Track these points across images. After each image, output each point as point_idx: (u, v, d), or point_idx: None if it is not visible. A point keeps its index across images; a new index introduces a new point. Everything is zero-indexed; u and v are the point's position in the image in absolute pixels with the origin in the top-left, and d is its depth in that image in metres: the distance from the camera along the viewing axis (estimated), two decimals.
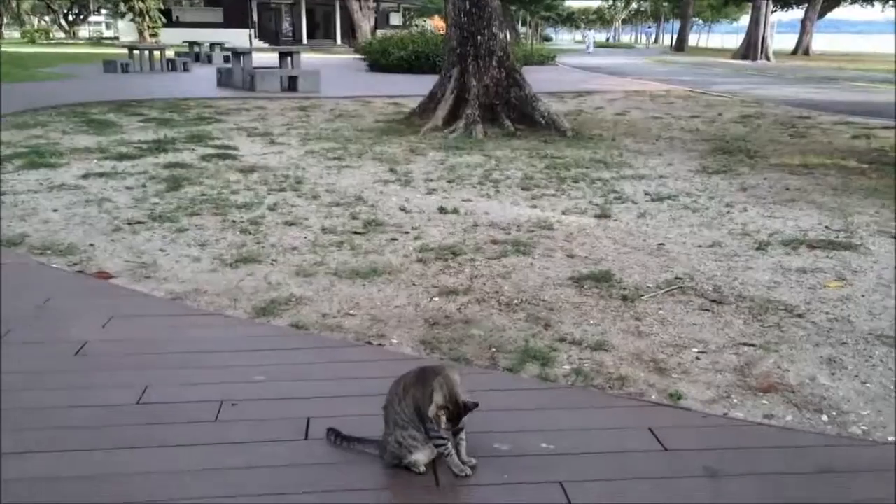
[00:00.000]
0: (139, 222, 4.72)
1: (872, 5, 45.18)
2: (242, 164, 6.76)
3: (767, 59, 34.20)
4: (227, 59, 19.72)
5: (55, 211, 4.98)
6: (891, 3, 43.75)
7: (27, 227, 4.58)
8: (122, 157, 7.00)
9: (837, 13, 49.87)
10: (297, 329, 3.10)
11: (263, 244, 4.30)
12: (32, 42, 42.50)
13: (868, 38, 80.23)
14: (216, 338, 3.00)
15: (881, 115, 11.63)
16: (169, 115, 10.32)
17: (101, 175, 6.14)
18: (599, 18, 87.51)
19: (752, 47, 35.25)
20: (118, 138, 8.14)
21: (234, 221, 4.78)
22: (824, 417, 2.40)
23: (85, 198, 5.36)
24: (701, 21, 66.95)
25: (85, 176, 6.10)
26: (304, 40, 46.90)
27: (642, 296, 3.51)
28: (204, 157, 7.05)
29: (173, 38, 33.32)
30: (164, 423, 2.27)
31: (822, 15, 43.60)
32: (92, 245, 4.23)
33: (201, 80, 16.90)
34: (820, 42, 49.16)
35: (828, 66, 29.40)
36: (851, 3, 45.98)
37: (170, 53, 21.07)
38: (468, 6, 9.44)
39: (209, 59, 24.65)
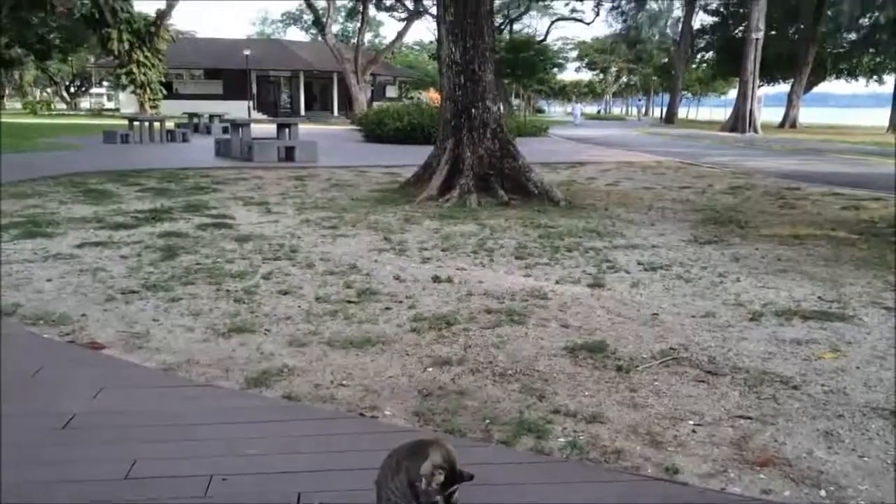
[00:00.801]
0: (133, 292, 4.71)
1: (857, 80, 46.41)
2: (238, 233, 6.80)
3: (756, 131, 34.89)
4: (225, 130, 20.04)
5: (49, 280, 4.98)
6: (874, 78, 44.99)
7: (20, 296, 4.56)
8: (118, 226, 7.03)
9: (823, 87, 51.19)
10: (290, 400, 3.07)
11: (257, 313, 4.29)
12: (34, 113, 43.18)
13: (853, 112, 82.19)
14: (207, 409, 2.97)
15: (869, 186, 11.82)
16: (166, 184, 10.43)
17: (96, 244, 6.17)
18: (591, 91, 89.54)
19: (740, 120, 35.99)
20: (115, 208, 8.20)
21: (228, 290, 4.78)
22: (822, 493, 2.37)
23: (79, 267, 5.36)
24: (690, 94, 68.55)
25: (80, 245, 6.12)
26: (302, 112, 47.74)
27: (637, 366, 3.50)
28: (200, 227, 7.09)
29: (174, 109, 33.92)
30: (151, 499, 2.22)
31: (807, 89, 44.73)
32: (84, 315, 4.21)
33: (200, 151, 17.13)
34: (806, 115, 50.28)
35: (815, 139, 29.99)
36: (836, 78, 47.24)
37: (169, 124, 21.41)
38: (462, 80, 9.67)
39: (208, 130, 25.02)
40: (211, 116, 26.59)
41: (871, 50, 41.97)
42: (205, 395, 3.14)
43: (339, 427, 2.84)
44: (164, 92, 38.34)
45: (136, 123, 20.28)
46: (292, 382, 3.26)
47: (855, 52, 42.89)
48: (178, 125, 22.65)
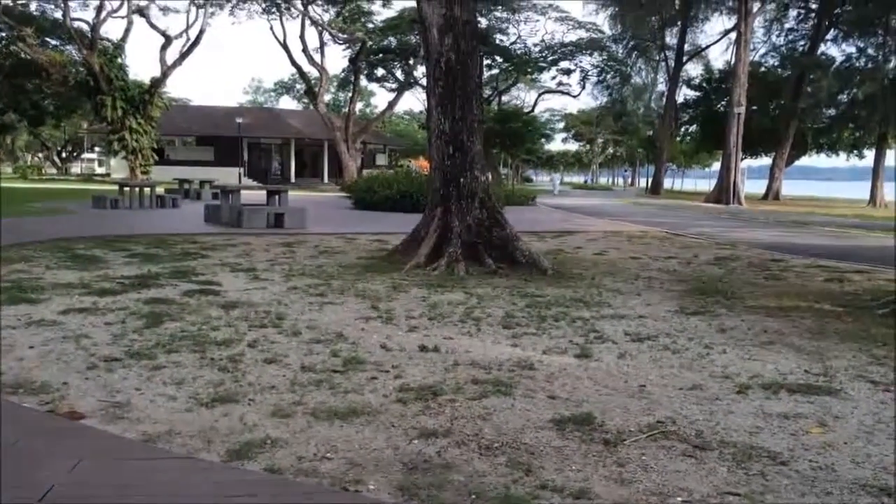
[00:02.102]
0: (116, 359, 4.66)
1: (837, 154, 47.48)
2: (224, 300, 6.77)
3: (739, 203, 35.43)
4: (215, 196, 20.16)
5: (31, 347, 4.91)
6: (854, 152, 46.05)
7: (2, 364, 4.50)
8: (103, 292, 6.99)
9: (805, 160, 52.28)
10: (272, 473, 3.01)
11: (241, 382, 4.25)
12: (24, 178, 43.38)
13: (835, 185, 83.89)
14: (188, 483, 2.90)
15: (851, 259, 11.97)
16: (154, 250, 10.42)
17: (81, 311, 6.12)
18: (578, 161, 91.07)
19: (724, 192, 36.58)
20: (101, 274, 8.17)
21: (212, 359, 4.73)
22: None
23: (62, 334, 5.31)
24: (675, 166, 69.81)
25: (65, 312, 6.07)
26: (293, 178, 48.24)
27: (625, 440, 3.47)
28: (186, 293, 7.07)
29: (164, 175, 34.22)
30: None
31: (789, 162, 45.66)
32: (65, 383, 4.15)
33: (189, 217, 17.19)
34: (789, 187, 51.23)
35: (797, 211, 30.48)
36: (817, 152, 48.34)
37: (160, 190, 21.54)
38: (451, 150, 9.83)
39: (198, 196, 25.20)
40: (201, 182, 26.82)
41: (850, 125, 43.05)
42: (185, 467, 3.08)
43: (323, 501, 2.78)
44: (156, 158, 38.72)
45: (126, 189, 20.39)
46: (275, 455, 3.20)
47: (834, 127, 43.97)
48: (168, 191, 22.80)
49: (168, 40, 39.18)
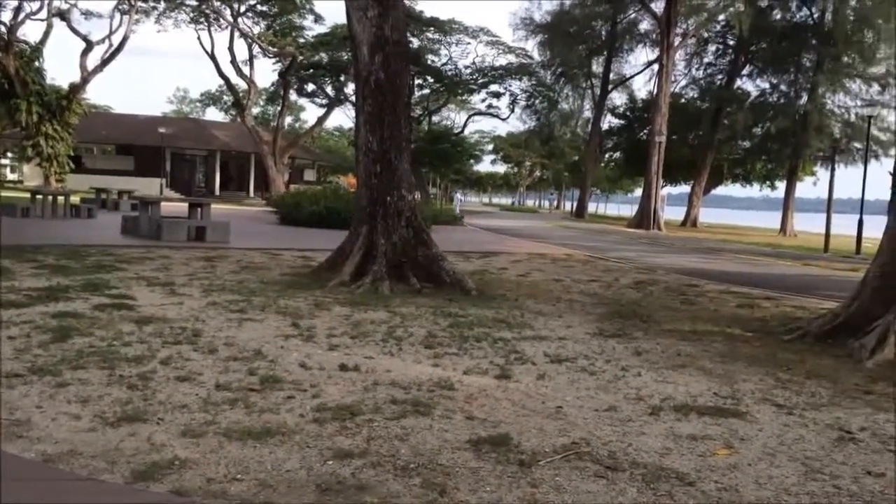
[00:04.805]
0: (17, 375, 4.43)
1: (751, 185, 49.58)
2: (138, 315, 6.55)
3: (659, 228, 36.55)
4: (134, 207, 19.55)
5: None
6: (767, 183, 48.16)
7: None
8: (8, 304, 6.66)
9: (721, 190, 54.38)
10: (178, 496, 2.91)
11: (151, 401, 4.10)
12: None
13: (749, 213, 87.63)
14: None
15: (762, 286, 12.47)
16: (66, 262, 10.00)
17: None
18: (506, 183, 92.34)
19: (645, 217, 37.69)
20: (7, 285, 7.78)
21: (121, 376, 4.56)
22: None
23: None
24: (599, 191, 71.55)
25: None
26: (217, 191, 47.23)
27: (539, 461, 3.50)
28: (98, 307, 6.80)
29: (81, 184, 33.01)
30: None
31: (707, 191, 47.41)
32: None
33: (105, 228, 16.61)
34: (706, 215, 53.20)
35: (713, 238, 31.63)
36: (733, 182, 50.35)
37: (75, 199, 20.75)
38: (379, 169, 9.82)
39: (116, 207, 24.39)
40: (120, 192, 25.99)
41: (763, 157, 45.04)
42: (86, 489, 2.95)
43: None
44: (72, 166, 37.26)
45: (38, 197, 19.57)
46: (183, 476, 3.10)
47: (749, 159, 45.91)
48: (84, 200, 21.98)
49: (89, 45, 37.93)
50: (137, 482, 3.02)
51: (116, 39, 38.28)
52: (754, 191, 51.17)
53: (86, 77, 37.78)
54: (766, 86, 42.85)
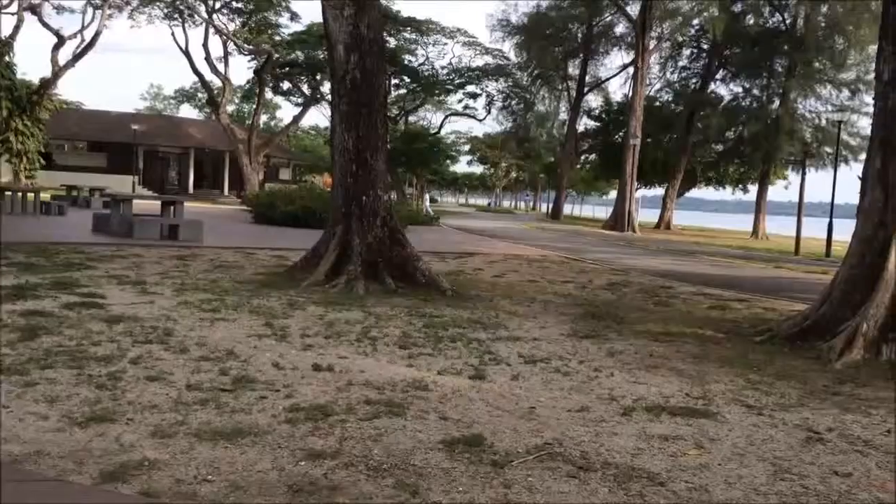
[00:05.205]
0: None
1: (724, 188, 50.15)
2: (108, 314, 6.45)
3: (633, 230, 36.81)
4: (106, 205, 19.30)
5: None
6: (740, 186, 48.76)
7: None
8: None
9: (694, 192, 54.91)
10: (147, 497, 2.87)
11: (120, 401, 4.05)
12: None
13: (722, 216, 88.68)
14: None
15: (734, 287, 12.61)
16: (34, 260, 9.84)
17: None
18: (482, 184, 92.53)
19: (619, 219, 37.94)
20: None
21: (90, 375, 4.49)
22: None
23: None
24: (574, 192, 71.93)
25: None
26: (191, 189, 46.77)
27: (512, 461, 3.51)
28: (67, 306, 6.70)
29: (52, 181, 32.48)
30: None
31: (681, 193, 47.83)
32: None
33: (76, 226, 16.38)
34: (680, 217, 53.73)
35: (687, 240, 31.95)
36: (706, 185, 50.88)
37: (46, 196, 20.44)
38: (354, 168, 9.78)
39: (87, 204, 24.07)
40: (91, 190, 25.66)
41: (736, 161, 45.58)
42: (53, 490, 2.91)
43: None
44: (43, 162, 36.67)
45: (7, 193, 19.23)
46: (152, 477, 3.06)
47: (722, 162, 46.45)
48: (54, 197, 21.67)
49: (61, 40, 37.39)
50: (106, 483, 2.98)
51: (89, 35, 37.78)
52: (727, 194, 51.82)
53: (57, 72, 37.24)
54: (739, 90, 43.45)
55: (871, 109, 8.51)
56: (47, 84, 37.16)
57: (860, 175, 8.00)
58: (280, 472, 3.21)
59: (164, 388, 4.37)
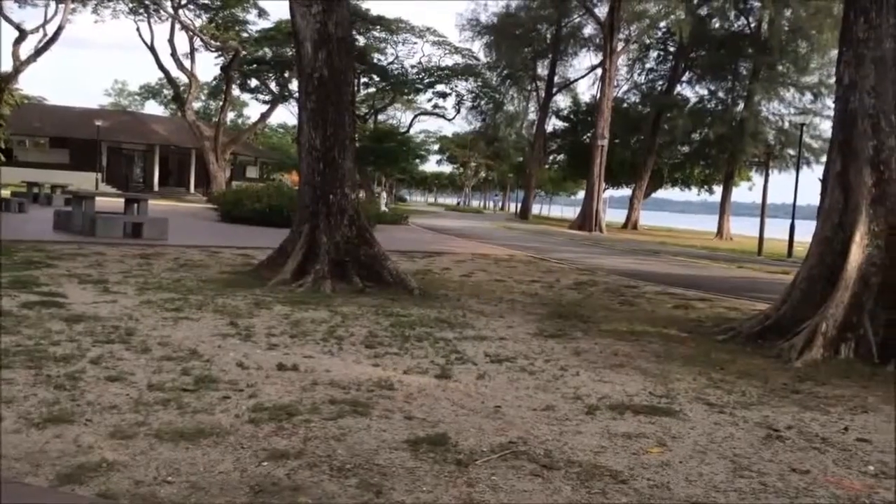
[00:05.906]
0: None
1: (690, 189, 50.82)
2: (68, 314, 6.33)
3: (600, 230, 37.11)
4: (67, 202, 18.95)
5: None
6: (705, 187, 49.45)
7: None
8: None
9: (661, 193, 55.56)
10: (105, 499, 2.83)
11: (79, 402, 3.97)
12: None
13: (687, 217, 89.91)
14: None
15: (698, 287, 12.78)
16: None
17: None
18: (451, 183, 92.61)
19: (587, 219, 38.22)
20: None
21: (48, 376, 4.41)
22: None
23: None
24: (543, 192, 72.30)
25: None
26: (156, 187, 46.08)
27: (476, 460, 3.51)
28: (25, 305, 6.56)
29: (13, 177, 31.78)
30: None
31: (647, 194, 48.35)
32: None
33: (36, 223, 16.05)
34: (647, 217, 54.32)
35: (652, 240, 32.29)
36: (672, 186, 51.52)
37: (5, 193, 20.02)
38: (322, 167, 9.73)
39: (49, 201, 23.60)
40: (53, 187, 25.19)
41: (701, 162, 46.20)
42: (9, 491, 2.83)
43: None
44: (3, 158, 35.84)
45: None
46: (111, 479, 3.01)
47: (687, 163, 47.04)
48: (14, 194, 21.22)
49: (22, 34, 36.64)
50: (63, 485, 2.92)
51: (51, 29, 37.08)
52: (692, 195, 52.52)
53: (18, 67, 36.49)
54: (705, 92, 44.07)
55: (832, 113, 8.66)
56: (8, 79, 36.31)
57: (821, 177, 8.16)
58: (242, 473, 3.18)
59: (124, 388, 4.30)
